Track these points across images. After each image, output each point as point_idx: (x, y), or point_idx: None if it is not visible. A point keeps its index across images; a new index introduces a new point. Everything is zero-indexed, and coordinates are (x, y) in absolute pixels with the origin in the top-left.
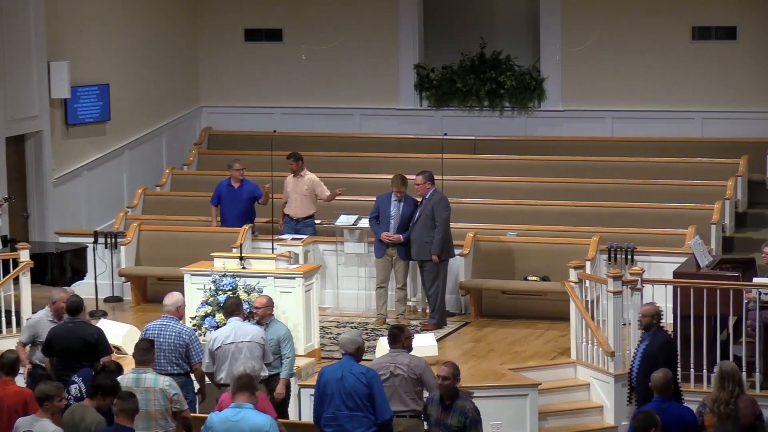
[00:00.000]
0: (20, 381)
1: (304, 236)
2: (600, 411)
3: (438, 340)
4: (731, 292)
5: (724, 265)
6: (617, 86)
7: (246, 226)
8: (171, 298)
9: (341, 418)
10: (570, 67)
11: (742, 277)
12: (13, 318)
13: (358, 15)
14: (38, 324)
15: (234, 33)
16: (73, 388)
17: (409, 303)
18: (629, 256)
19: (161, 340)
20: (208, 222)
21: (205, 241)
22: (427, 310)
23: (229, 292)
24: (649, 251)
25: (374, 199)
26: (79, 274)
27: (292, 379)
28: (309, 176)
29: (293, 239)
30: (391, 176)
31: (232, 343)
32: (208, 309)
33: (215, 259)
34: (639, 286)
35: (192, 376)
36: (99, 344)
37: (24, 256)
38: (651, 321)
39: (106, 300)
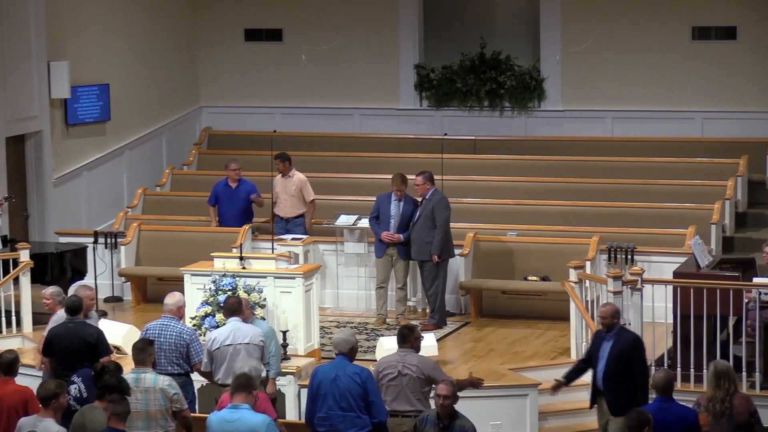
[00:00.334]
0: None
1: (305, 236)
2: None
3: (438, 340)
4: (731, 292)
5: (724, 265)
6: (617, 86)
7: (246, 226)
8: (172, 298)
9: (334, 418)
10: (570, 67)
11: (742, 277)
12: (13, 318)
13: (358, 15)
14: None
15: (234, 33)
16: (73, 389)
17: (409, 303)
18: (629, 256)
19: (162, 339)
20: (208, 222)
21: (205, 241)
22: (427, 310)
23: (229, 292)
24: (649, 251)
25: (374, 199)
26: (79, 274)
27: (292, 379)
28: (297, 176)
29: (293, 239)
30: (391, 176)
31: (231, 345)
32: (208, 309)
33: (215, 259)
34: (639, 286)
35: (192, 375)
36: (99, 344)
37: (24, 256)
38: (612, 321)
39: (106, 300)
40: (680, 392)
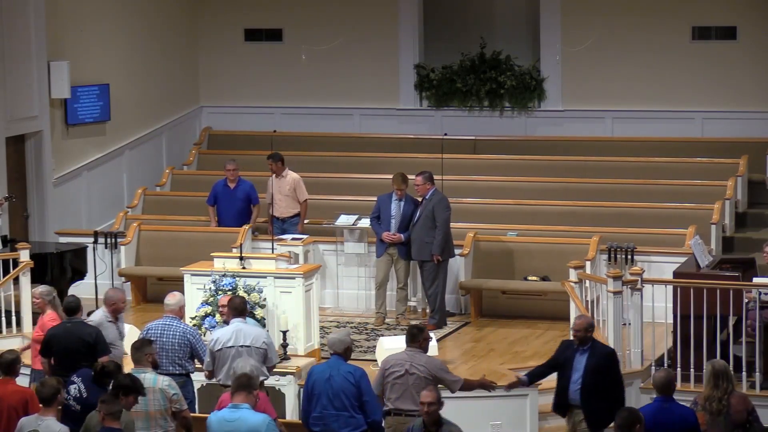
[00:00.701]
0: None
1: (305, 236)
2: None
3: (438, 340)
4: (731, 292)
5: (724, 265)
6: (617, 86)
7: (246, 226)
8: (174, 298)
9: (327, 418)
10: (570, 67)
11: (742, 277)
12: (13, 318)
13: (358, 15)
14: (101, 327)
15: (234, 33)
16: (73, 389)
17: (410, 303)
18: (629, 256)
19: (164, 339)
20: (208, 222)
21: (205, 241)
22: (427, 310)
23: (229, 292)
24: (649, 251)
25: (374, 199)
26: (79, 274)
27: (292, 379)
28: (291, 176)
29: (293, 239)
30: (391, 176)
31: (233, 347)
32: (208, 309)
33: (215, 259)
34: (639, 286)
35: (192, 375)
36: (97, 344)
37: (24, 256)
38: (586, 334)
39: None
40: (680, 392)
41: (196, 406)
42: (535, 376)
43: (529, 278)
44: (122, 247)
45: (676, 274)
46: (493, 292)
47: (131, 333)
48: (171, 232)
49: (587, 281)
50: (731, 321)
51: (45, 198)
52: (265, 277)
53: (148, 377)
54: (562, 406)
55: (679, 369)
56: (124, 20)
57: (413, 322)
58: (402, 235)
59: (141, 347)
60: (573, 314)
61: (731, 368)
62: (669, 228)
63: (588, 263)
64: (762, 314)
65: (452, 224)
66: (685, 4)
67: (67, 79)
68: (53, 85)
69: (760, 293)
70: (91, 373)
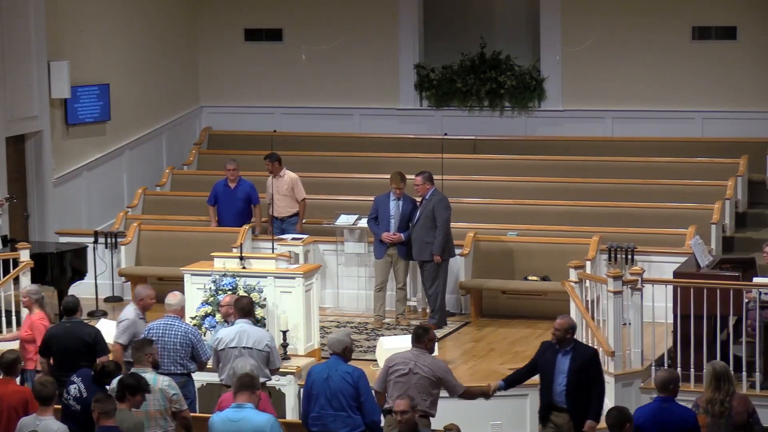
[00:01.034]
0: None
1: (305, 236)
2: None
3: (438, 340)
4: (731, 292)
5: (724, 265)
6: (617, 86)
7: (246, 226)
8: (175, 298)
9: (325, 418)
10: (570, 67)
11: (742, 277)
12: (13, 318)
13: (358, 15)
14: (135, 324)
15: (234, 33)
16: (73, 389)
17: (410, 303)
18: (629, 256)
19: (166, 339)
20: (208, 222)
21: (205, 241)
22: (428, 310)
23: (229, 292)
24: (649, 251)
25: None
26: (79, 274)
27: (292, 379)
28: (288, 175)
29: (293, 239)
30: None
31: (236, 347)
32: (208, 309)
33: (215, 259)
34: (639, 286)
35: (193, 375)
36: (97, 344)
37: (24, 256)
38: (566, 335)
39: (106, 300)
40: (680, 392)
41: (197, 406)
42: (513, 381)
43: (529, 278)
44: (122, 247)
45: (676, 274)
46: (493, 292)
47: None
48: (171, 232)
49: (587, 281)
50: (731, 321)
51: (45, 198)
52: (265, 276)
53: (148, 377)
54: (546, 409)
55: (679, 369)
56: (124, 20)
57: (414, 322)
58: (402, 235)
59: (141, 347)
60: (573, 314)
61: (731, 368)
62: (669, 228)
63: (588, 263)
64: (762, 314)
65: (452, 224)
66: (685, 4)
67: (67, 79)
68: (53, 85)
69: (760, 293)
70: (91, 373)
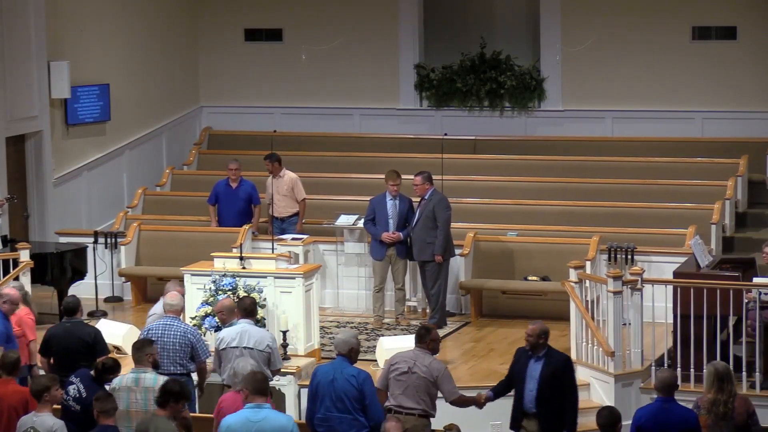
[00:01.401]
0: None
1: (305, 236)
2: None
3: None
4: (731, 292)
5: (724, 265)
6: (617, 86)
7: (246, 226)
8: (174, 298)
9: (332, 420)
10: (570, 67)
11: (742, 277)
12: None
13: (358, 15)
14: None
15: (234, 33)
16: (71, 389)
17: (410, 303)
18: (629, 256)
19: (165, 339)
20: (208, 222)
21: (205, 241)
22: (428, 310)
23: (229, 292)
24: (649, 251)
25: None
26: (79, 274)
27: (292, 379)
28: (288, 175)
29: (293, 239)
30: None
31: (237, 347)
32: (208, 309)
33: (215, 259)
34: (639, 286)
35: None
36: (97, 344)
37: (24, 256)
38: (538, 340)
39: (106, 300)
40: (680, 392)
41: (197, 406)
42: (499, 392)
43: (529, 278)
44: (122, 247)
45: (676, 274)
46: (493, 292)
47: (131, 333)
48: (171, 232)
49: (587, 281)
50: (731, 321)
51: (45, 198)
52: (265, 277)
53: (148, 377)
54: (518, 417)
55: (679, 369)
56: (124, 20)
57: (414, 322)
58: (401, 234)
59: (142, 347)
60: (573, 314)
61: (731, 368)
62: (669, 228)
63: (588, 263)
64: (762, 314)
65: (452, 224)
66: (685, 4)
67: (67, 79)
68: (53, 85)
69: (760, 293)
70: (90, 373)
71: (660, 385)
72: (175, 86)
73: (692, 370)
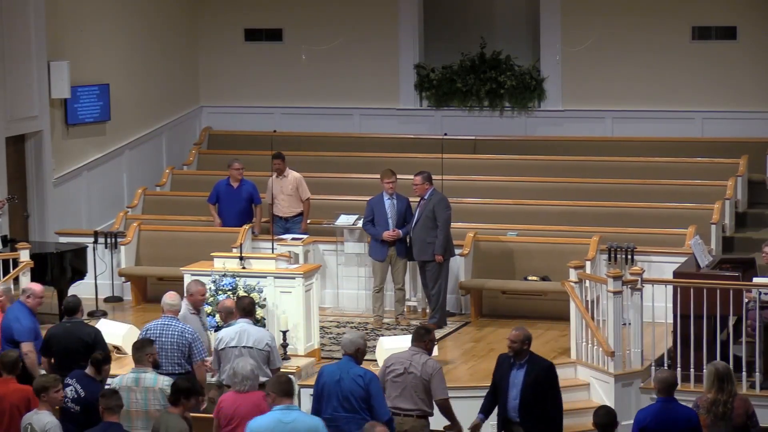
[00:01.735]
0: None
1: (305, 236)
2: None
3: (438, 340)
4: (731, 292)
5: (724, 265)
6: (617, 86)
7: (246, 226)
8: (174, 298)
9: (339, 420)
10: (570, 67)
11: (742, 277)
12: None
13: (358, 15)
14: (185, 319)
15: (234, 33)
16: (69, 391)
17: (410, 303)
18: (629, 256)
19: (163, 339)
20: (209, 222)
21: (205, 241)
22: (428, 310)
23: (229, 292)
24: (649, 251)
25: None
26: (79, 274)
27: (293, 378)
28: (293, 175)
29: (293, 239)
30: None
31: (236, 347)
32: (208, 309)
33: (215, 259)
34: (639, 286)
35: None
36: (97, 344)
37: (24, 256)
38: (522, 347)
39: (106, 300)
40: (680, 392)
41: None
42: (487, 410)
43: (529, 278)
44: (122, 247)
45: (676, 274)
46: (493, 292)
47: (131, 333)
48: (171, 232)
49: (587, 281)
50: (731, 321)
51: (45, 198)
52: (265, 277)
53: (148, 377)
54: (503, 423)
55: (679, 369)
56: (124, 20)
57: (414, 322)
58: (400, 231)
59: (142, 347)
60: (573, 314)
61: (731, 368)
62: (669, 228)
63: (588, 263)
64: (762, 314)
65: (452, 224)
66: (685, 4)
67: (67, 79)
68: (53, 85)
69: (760, 293)
70: (84, 372)
71: (660, 386)
72: (175, 86)
73: (692, 370)
